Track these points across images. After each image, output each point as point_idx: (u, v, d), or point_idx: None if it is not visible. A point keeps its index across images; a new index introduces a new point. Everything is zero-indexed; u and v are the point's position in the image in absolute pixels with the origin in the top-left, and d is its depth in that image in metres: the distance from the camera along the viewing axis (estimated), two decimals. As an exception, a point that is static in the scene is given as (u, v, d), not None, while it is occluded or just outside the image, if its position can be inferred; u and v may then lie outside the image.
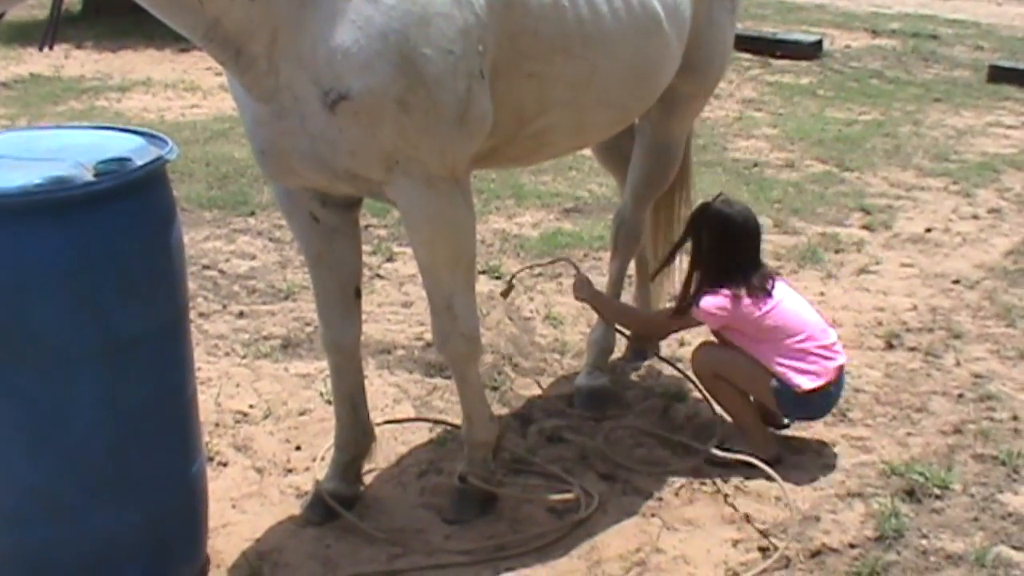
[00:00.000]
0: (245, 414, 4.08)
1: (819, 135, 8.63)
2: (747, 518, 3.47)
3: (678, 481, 3.67)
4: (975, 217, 6.66)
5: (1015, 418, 4.11)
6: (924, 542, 3.34)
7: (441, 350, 3.30)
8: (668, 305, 4.42)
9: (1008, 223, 6.55)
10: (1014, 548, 3.32)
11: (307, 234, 3.27)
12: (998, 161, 7.96)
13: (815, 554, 3.29)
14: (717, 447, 3.81)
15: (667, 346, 4.67)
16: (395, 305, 5.11)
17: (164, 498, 2.92)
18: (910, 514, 3.48)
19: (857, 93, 10.39)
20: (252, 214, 6.35)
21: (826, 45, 12.37)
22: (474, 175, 3.25)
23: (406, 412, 4.13)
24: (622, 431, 4.00)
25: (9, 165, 2.66)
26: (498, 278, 5.41)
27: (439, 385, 4.32)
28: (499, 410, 4.08)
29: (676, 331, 4.22)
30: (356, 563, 3.23)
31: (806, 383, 3.68)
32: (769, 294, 3.72)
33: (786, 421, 3.97)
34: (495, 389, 4.29)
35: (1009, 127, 9.17)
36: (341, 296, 3.35)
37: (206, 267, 5.53)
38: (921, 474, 3.67)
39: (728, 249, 3.75)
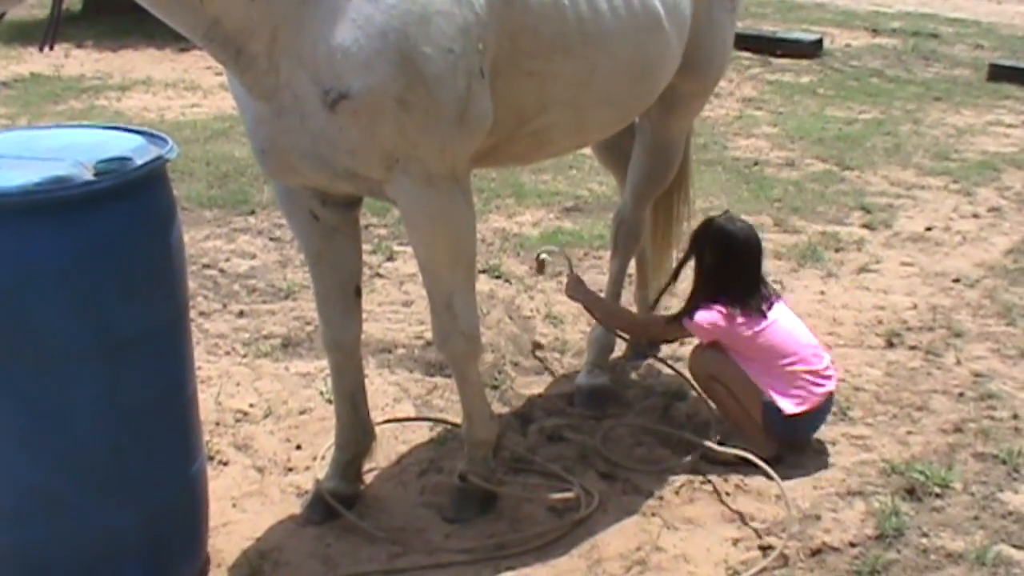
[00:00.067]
0: (245, 413, 4.09)
1: (819, 134, 8.63)
2: (748, 517, 3.47)
3: (678, 480, 3.67)
4: (975, 216, 6.66)
5: (1015, 417, 4.10)
6: (924, 540, 3.34)
7: (441, 349, 3.30)
8: (666, 308, 4.43)
9: (1008, 222, 6.55)
10: (1014, 547, 3.32)
11: (307, 233, 3.27)
12: (998, 160, 7.96)
13: (815, 552, 3.29)
14: (713, 441, 3.82)
15: (668, 345, 4.68)
16: (395, 304, 5.11)
17: (164, 497, 2.92)
18: (910, 512, 3.48)
19: (857, 92, 10.39)
20: (252, 213, 6.35)
21: (826, 44, 12.37)
22: (474, 174, 3.26)
23: (406, 411, 4.13)
24: (622, 429, 4.00)
25: (9, 164, 2.66)
26: (498, 277, 5.41)
27: (439, 384, 4.32)
28: (499, 409, 4.08)
29: (668, 340, 4.24)
30: (356, 562, 3.23)
31: (790, 407, 3.71)
32: (764, 315, 3.74)
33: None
34: (495, 388, 4.30)
35: (1009, 126, 9.17)
36: (341, 295, 3.34)
37: (206, 266, 5.53)
38: (922, 472, 3.67)
39: (727, 266, 3.79)
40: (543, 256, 4.30)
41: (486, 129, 3.01)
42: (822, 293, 5.31)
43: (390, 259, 5.64)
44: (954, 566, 3.23)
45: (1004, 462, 3.79)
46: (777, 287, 5.03)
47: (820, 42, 12.21)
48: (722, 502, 3.56)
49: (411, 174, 2.89)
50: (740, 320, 3.73)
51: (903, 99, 10.08)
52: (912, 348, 4.72)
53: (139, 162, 2.72)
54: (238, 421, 4.03)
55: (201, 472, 3.13)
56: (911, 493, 3.59)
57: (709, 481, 3.67)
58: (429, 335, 4.38)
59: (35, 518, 2.74)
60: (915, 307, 5.18)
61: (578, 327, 4.84)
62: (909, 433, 4.00)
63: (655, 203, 4.40)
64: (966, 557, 3.26)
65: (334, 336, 3.38)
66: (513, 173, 7.05)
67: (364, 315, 3.50)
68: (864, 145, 8.32)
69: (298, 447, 3.87)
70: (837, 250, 5.94)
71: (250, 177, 6.95)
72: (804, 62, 11.60)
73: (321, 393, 4.20)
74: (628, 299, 4.77)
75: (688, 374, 4.09)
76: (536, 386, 4.37)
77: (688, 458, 3.76)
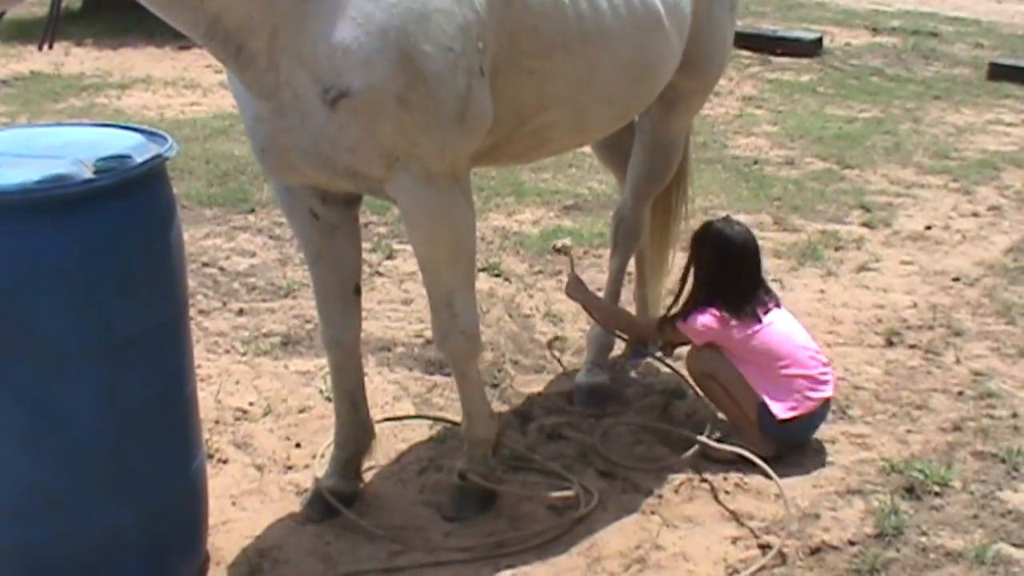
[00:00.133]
0: (245, 411, 4.09)
1: (819, 132, 8.62)
2: (747, 515, 3.47)
3: (678, 478, 3.68)
4: (975, 215, 6.66)
5: (1015, 415, 4.10)
6: (924, 539, 3.34)
7: (441, 347, 3.30)
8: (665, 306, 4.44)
9: (1008, 220, 6.55)
10: (1014, 545, 3.32)
11: (307, 231, 3.27)
12: (998, 159, 7.96)
13: (815, 551, 3.29)
14: (712, 439, 3.82)
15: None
16: (395, 302, 5.11)
17: (164, 495, 2.92)
18: (910, 511, 3.48)
19: (857, 90, 10.39)
20: (252, 211, 6.35)
21: (826, 42, 12.37)
22: (474, 172, 3.26)
23: (406, 409, 4.13)
24: (621, 428, 4.00)
25: (9, 162, 2.65)
26: (498, 275, 5.42)
27: (439, 382, 4.32)
28: (499, 407, 4.08)
29: (664, 341, 4.26)
30: (356, 560, 3.23)
31: (782, 412, 3.71)
32: (759, 319, 3.74)
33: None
34: (495, 386, 4.30)
35: (1009, 125, 9.17)
36: (341, 293, 3.35)
37: (206, 264, 5.53)
38: (921, 471, 3.67)
39: (724, 270, 3.81)
40: (561, 244, 4.27)
41: (486, 128, 3.01)
42: (822, 292, 5.32)
43: (390, 257, 5.64)
44: (953, 565, 3.23)
45: (1003, 461, 3.79)
46: (776, 286, 5.06)
47: (820, 41, 12.21)
48: (721, 501, 3.56)
49: (411, 172, 2.89)
50: (734, 323, 3.75)
51: (903, 98, 10.08)
52: (912, 347, 4.72)
53: (139, 160, 2.72)
54: (238, 419, 4.03)
55: (201, 470, 3.13)
56: (910, 492, 3.59)
57: (708, 480, 3.67)
58: (429, 333, 4.38)
59: (35, 517, 2.74)
60: (915, 306, 5.18)
61: (577, 325, 4.84)
62: (908, 432, 4.00)
63: (654, 201, 4.40)
64: (965, 556, 3.26)
65: (334, 334, 3.38)
66: (513, 171, 7.05)
67: (364, 313, 3.50)
68: (864, 144, 8.32)
69: (297, 445, 3.87)
70: (837, 249, 5.94)
71: (250, 175, 6.95)
72: (804, 61, 11.60)
73: (321, 391, 4.21)
74: (627, 297, 4.77)
75: (685, 375, 4.09)
76: (535, 384, 4.38)
77: (688, 453, 3.77)
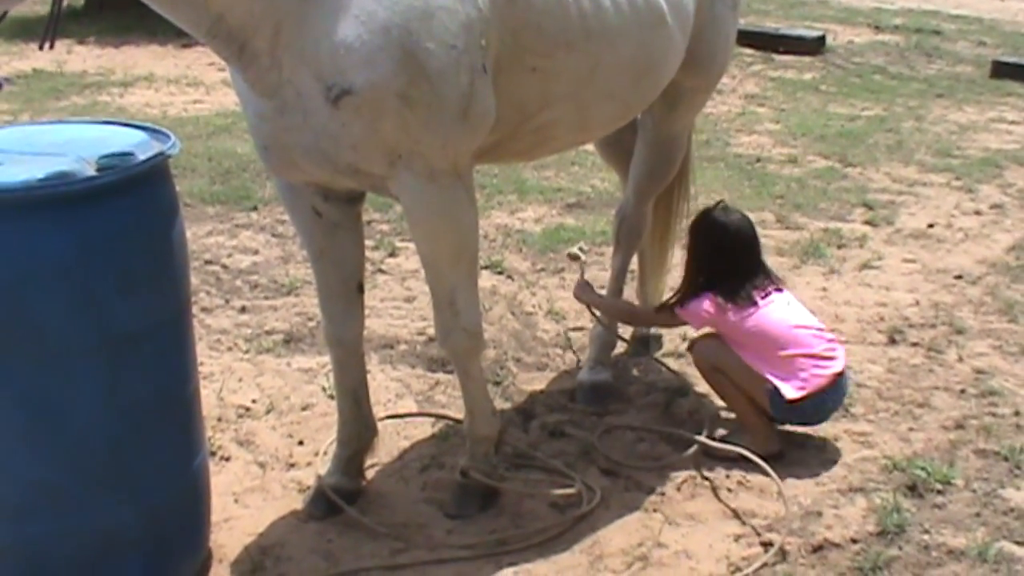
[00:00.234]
0: (247, 409, 4.09)
1: (822, 131, 8.62)
2: (749, 513, 3.47)
3: (680, 476, 3.68)
4: (977, 213, 6.65)
5: (1017, 414, 4.10)
6: (926, 537, 3.34)
7: (443, 345, 3.30)
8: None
9: (1010, 219, 6.54)
10: (1016, 543, 3.32)
11: (310, 229, 3.27)
12: (1001, 157, 7.95)
13: (817, 549, 3.29)
14: (711, 438, 3.82)
15: (670, 340, 4.68)
16: (397, 300, 5.12)
17: (166, 493, 2.93)
18: (912, 509, 3.48)
19: (860, 89, 10.39)
20: (254, 209, 6.35)
21: (829, 41, 12.36)
22: (476, 170, 3.25)
23: (408, 407, 4.13)
24: (619, 428, 4.00)
25: (11, 160, 2.66)
26: (500, 273, 5.42)
27: (441, 380, 4.33)
28: (501, 405, 4.08)
29: (663, 326, 4.28)
30: (358, 558, 3.23)
31: (790, 392, 3.69)
32: (755, 303, 3.74)
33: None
34: (497, 384, 4.30)
35: (1012, 123, 9.16)
36: (343, 291, 3.35)
37: (208, 262, 5.53)
38: (923, 469, 3.67)
39: (718, 257, 3.83)
40: (576, 250, 4.31)
41: (489, 125, 3.01)
42: (824, 290, 5.31)
43: (392, 255, 5.65)
44: (955, 563, 3.23)
45: (1006, 459, 3.79)
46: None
47: (823, 39, 12.20)
48: (723, 499, 3.56)
49: (414, 170, 2.89)
50: (730, 308, 3.75)
51: (906, 96, 10.07)
52: (914, 345, 4.72)
53: (141, 157, 2.72)
54: (240, 417, 4.03)
55: (203, 468, 3.13)
56: (912, 490, 3.59)
57: (710, 478, 3.67)
58: (431, 331, 4.39)
59: (36, 515, 2.75)
60: (917, 304, 5.17)
61: (579, 323, 4.84)
62: (911, 430, 4.00)
63: (656, 199, 4.40)
64: (967, 554, 3.26)
65: (336, 332, 3.38)
66: (515, 169, 7.05)
67: (366, 311, 3.50)
68: (866, 142, 8.31)
69: (300, 443, 3.88)
70: (839, 247, 5.94)
71: (252, 173, 6.95)
72: (807, 59, 11.59)
73: (323, 389, 4.21)
74: (630, 295, 4.77)
75: (688, 371, 4.09)
76: (538, 382, 4.38)
77: (689, 451, 3.77)
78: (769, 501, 3.54)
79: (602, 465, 3.74)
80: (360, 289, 3.39)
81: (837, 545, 3.31)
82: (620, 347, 4.47)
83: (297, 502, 3.50)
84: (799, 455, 3.81)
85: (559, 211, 6.50)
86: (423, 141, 2.85)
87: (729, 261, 3.81)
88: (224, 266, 5.50)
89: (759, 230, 4.06)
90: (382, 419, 3.85)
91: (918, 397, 4.24)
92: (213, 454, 3.69)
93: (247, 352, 4.57)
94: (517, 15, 2.98)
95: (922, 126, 8.90)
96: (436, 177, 2.93)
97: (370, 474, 3.65)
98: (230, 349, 4.59)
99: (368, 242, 4.74)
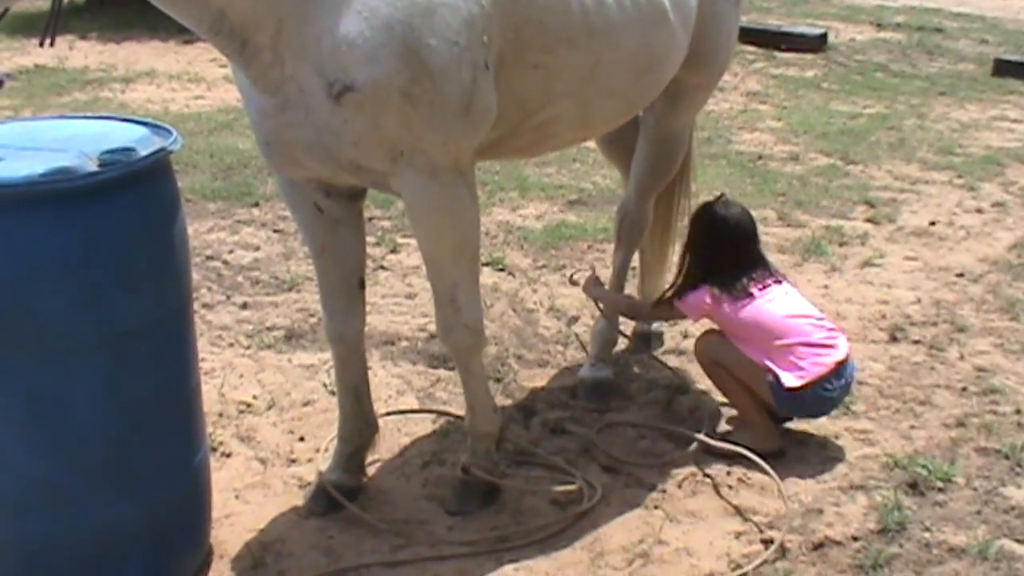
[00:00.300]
0: (249, 405, 4.09)
1: (823, 128, 8.61)
2: (750, 511, 3.47)
3: (681, 473, 3.68)
4: (979, 211, 6.65)
5: (1018, 412, 4.10)
6: (927, 535, 3.34)
7: (445, 341, 3.30)
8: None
9: (1012, 217, 6.54)
10: (1017, 541, 3.32)
11: (311, 225, 3.27)
12: (1002, 155, 7.94)
13: (818, 546, 3.29)
14: (710, 436, 3.83)
15: (670, 337, 4.69)
16: (399, 296, 5.12)
17: (167, 489, 2.93)
18: (913, 507, 3.48)
19: (862, 86, 10.38)
20: (256, 205, 6.35)
21: (831, 38, 12.35)
22: (478, 167, 3.25)
23: (409, 403, 4.14)
24: (620, 425, 4.00)
25: (13, 155, 2.66)
26: (502, 270, 5.42)
27: (442, 376, 4.33)
28: (502, 401, 4.08)
29: (662, 318, 4.29)
30: (359, 554, 3.23)
31: (791, 380, 3.68)
32: (750, 295, 3.74)
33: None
34: (498, 380, 4.30)
35: (1014, 121, 9.15)
36: (345, 287, 3.35)
37: (210, 258, 5.53)
38: (924, 467, 3.67)
39: (716, 249, 3.83)
40: (577, 277, 4.42)
41: (491, 122, 3.01)
42: (826, 287, 5.31)
43: (394, 251, 5.65)
44: (956, 560, 3.23)
45: (1007, 457, 3.79)
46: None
47: (825, 36, 12.19)
48: (724, 496, 3.56)
49: (415, 166, 2.89)
50: (726, 300, 3.76)
51: (907, 94, 10.06)
52: (915, 343, 4.72)
53: (143, 153, 2.72)
54: (241, 413, 4.04)
55: (204, 464, 3.13)
56: (913, 487, 3.59)
57: (711, 475, 3.67)
58: (432, 327, 4.38)
59: (37, 510, 2.75)
60: (918, 302, 5.17)
61: (581, 320, 4.84)
62: (912, 427, 4.00)
63: (657, 196, 4.40)
64: (968, 551, 3.26)
65: (337, 328, 3.38)
66: (517, 166, 7.04)
67: (368, 307, 3.50)
68: (868, 139, 8.30)
69: (301, 439, 3.88)
70: (841, 244, 5.94)
71: (254, 169, 6.95)
72: (808, 56, 11.58)
73: (324, 385, 4.21)
74: (630, 292, 4.77)
75: (689, 369, 4.09)
76: (539, 379, 4.38)
77: (690, 448, 3.77)
78: (770, 498, 3.54)
79: (603, 462, 3.74)
80: (361, 285, 3.39)
81: (838, 543, 3.31)
82: (621, 344, 4.47)
83: (298, 498, 3.50)
84: (800, 452, 3.81)
85: (560, 208, 6.50)
86: (425, 138, 2.85)
87: (728, 254, 3.82)
88: (225, 262, 5.50)
89: (760, 228, 4.06)
90: (383, 415, 3.86)
91: (919, 395, 4.24)
92: (214, 450, 3.70)
93: (248, 348, 4.57)
94: (519, 11, 2.97)
95: (924, 124, 8.90)
96: (438, 174, 2.93)
97: (371, 470, 3.65)
98: (231, 345, 4.59)
99: (369, 238, 4.76)
